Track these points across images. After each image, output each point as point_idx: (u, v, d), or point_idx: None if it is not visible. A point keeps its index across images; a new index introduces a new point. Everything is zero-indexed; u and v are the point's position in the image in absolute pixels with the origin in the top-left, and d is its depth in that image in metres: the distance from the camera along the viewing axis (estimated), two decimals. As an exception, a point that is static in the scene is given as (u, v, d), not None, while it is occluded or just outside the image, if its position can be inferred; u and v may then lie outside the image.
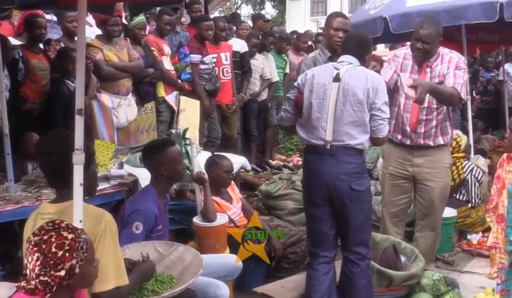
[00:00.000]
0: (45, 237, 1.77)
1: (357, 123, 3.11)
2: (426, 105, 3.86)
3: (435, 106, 3.90)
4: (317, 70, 3.29)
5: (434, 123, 3.92)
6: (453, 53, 3.98)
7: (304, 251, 3.94)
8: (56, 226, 1.81)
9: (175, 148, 3.25)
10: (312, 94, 3.19)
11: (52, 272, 1.75)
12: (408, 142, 3.98)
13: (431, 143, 3.96)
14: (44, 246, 1.76)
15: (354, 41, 3.35)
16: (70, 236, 1.79)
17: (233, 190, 4.12)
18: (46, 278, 1.75)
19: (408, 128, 3.94)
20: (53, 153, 2.28)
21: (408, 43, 6.53)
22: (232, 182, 4.17)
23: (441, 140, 3.97)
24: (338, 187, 3.12)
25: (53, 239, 1.77)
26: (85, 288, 1.99)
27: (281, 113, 3.46)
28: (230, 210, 3.94)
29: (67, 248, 1.77)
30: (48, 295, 1.76)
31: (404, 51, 4.08)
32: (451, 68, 3.87)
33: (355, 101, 3.10)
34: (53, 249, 1.76)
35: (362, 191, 3.17)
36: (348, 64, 3.20)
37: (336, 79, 3.15)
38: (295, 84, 3.36)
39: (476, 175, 5.09)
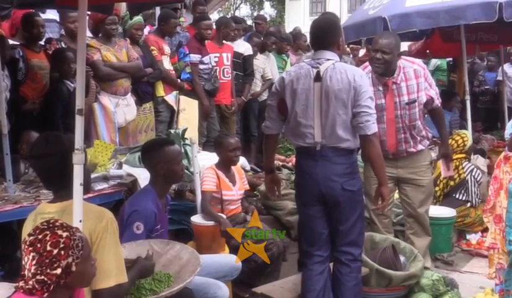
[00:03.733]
0: (40, 236, 1.78)
1: (345, 124, 3.06)
2: (400, 124, 3.93)
3: (408, 124, 3.95)
4: (294, 74, 3.15)
5: (411, 138, 3.99)
6: (415, 65, 3.96)
7: (278, 249, 3.91)
8: (51, 225, 1.82)
9: (173, 148, 3.22)
10: (295, 101, 3.12)
11: (48, 271, 1.75)
12: (390, 156, 4.02)
13: (414, 151, 4.04)
14: (39, 245, 1.76)
15: (320, 31, 3.19)
16: (65, 234, 1.79)
17: (241, 178, 4.18)
18: (42, 277, 1.75)
19: (388, 150, 3.97)
20: (47, 155, 2.27)
21: (408, 43, 6.52)
22: (243, 172, 4.30)
23: (420, 146, 4.07)
24: (330, 188, 3.10)
25: (48, 238, 1.77)
26: (83, 287, 1.98)
27: (266, 122, 3.33)
28: (230, 190, 4.01)
29: (62, 245, 1.77)
30: (46, 294, 1.76)
31: None
32: (426, 88, 3.91)
33: (339, 104, 3.02)
34: (48, 248, 1.76)
35: (355, 191, 3.15)
36: (326, 60, 3.09)
37: (317, 78, 3.06)
38: (274, 89, 3.30)
39: (476, 176, 5.10)
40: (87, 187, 2.47)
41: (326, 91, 3.04)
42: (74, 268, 1.79)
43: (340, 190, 3.10)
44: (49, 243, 1.76)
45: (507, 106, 7.46)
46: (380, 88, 3.89)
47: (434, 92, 4.02)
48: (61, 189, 2.30)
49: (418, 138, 4.02)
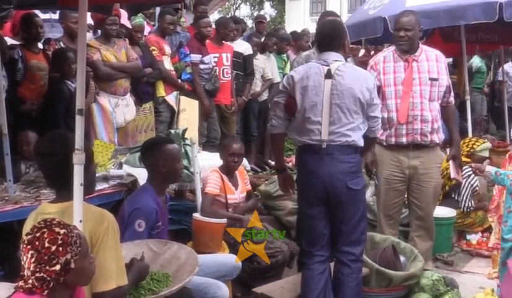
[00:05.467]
0: (38, 234, 1.79)
1: (354, 124, 3.11)
2: (418, 99, 3.93)
3: (428, 100, 3.95)
4: (304, 72, 3.17)
5: (430, 118, 3.96)
6: (435, 51, 4.10)
7: (283, 258, 3.87)
8: (48, 223, 1.83)
9: (173, 146, 3.24)
10: (305, 98, 3.13)
11: (47, 268, 1.76)
12: (404, 141, 3.98)
13: (428, 141, 4.00)
14: (37, 243, 1.77)
15: (328, 34, 3.26)
16: (62, 231, 1.80)
17: (243, 179, 4.17)
18: (41, 274, 1.76)
19: (401, 124, 3.95)
20: (53, 154, 2.28)
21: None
22: (245, 172, 4.30)
23: (436, 138, 4.02)
24: (335, 186, 3.12)
25: (46, 235, 1.78)
26: (83, 285, 1.98)
27: (272, 121, 3.32)
28: (233, 194, 4.01)
29: (60, 242, 1.78)
30: (46, 292, 1.76)
31: (382, 55, 4.12)
32: (445, 74, 4.02)
33: (351, 103, 3.08)
34: (46, 245, 1.77)
35: (359, 190, 3.18)
36: (334, 61, 3.14)
37: (328, 75, 3.10)
38: (282, 87, 3.29)
39: (472, 182, 5.00)
40: (91, 188, 2.48)
41: (339, 89, 3.08)
42: (73, 265, 1.79)
43: (345, 189, 3.12)
44: (47, 240, 1.77)
45: (507, 106, 7.46)
46: (401, 63, 3.99)
47: (450, 85, 4.10)
48: (63, 189, 2.30)
49: (435, 125, 3.98)
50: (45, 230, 1.80)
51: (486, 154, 5.20)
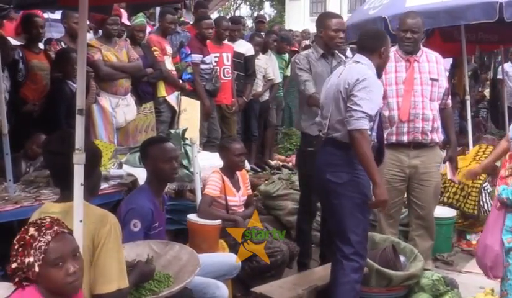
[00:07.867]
0: (23, 229, 1.87)
1: (339, 117, 3.19)
2: (419, 98, 3.98)
3: (428, 100, 3.99)
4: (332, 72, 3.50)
5: (430, 117, 3.99)
6: (435, 53, 4.17)
7: (283, 257, 3.83)
8: (37, 221, 1.88)
9: (163, 145, 3.20)
10: (322, 95, 3.42)
11: (10, 264, 1.85)
12: (405, 139, 4.00)
13: (428, 139, 4.03)
14: (17, 237, 1.86)
15: (362, 36, 3.41)
16: (33, 233, 1.84)
17: (244, 182, 4.15)
18: (14, 265, 1.84)
19: (402, 123, 3.98)
20: (61, 153, 2.27)
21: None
22: (247, 176, 4.27)
23: (436, 137, 4.06)
24: (318, 176, 3.27)
25: (20, 233, 1.86)
26: (60, 296, 1.89)
27: None
28: (234, 196, 3.99)
29: (22, 243, 1.83)
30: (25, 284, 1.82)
31: None
32: (444, 76, 4.13)
33: (336, 97, 3.19)
34: (14, 241, 1.85)
35: (339, 184, 3.14)
36: (353, 61, 3.29)
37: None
38: None
39: (484, 186, 4.92)
40: (95, 190, 2.49)
41: (332, 85, 3.28)
42: (37, 269, 1.81)
43: (324, 180, 3.20)
44: (17, 237, 1.84)
45: (507, 106, 7.47)
46: (403, 63, 4.05)
47: (449, 88, 4.17)
48: (67, 189, 2.28)
49: (435, 124, 4.02)
50: (27, 227, 1.86)
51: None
